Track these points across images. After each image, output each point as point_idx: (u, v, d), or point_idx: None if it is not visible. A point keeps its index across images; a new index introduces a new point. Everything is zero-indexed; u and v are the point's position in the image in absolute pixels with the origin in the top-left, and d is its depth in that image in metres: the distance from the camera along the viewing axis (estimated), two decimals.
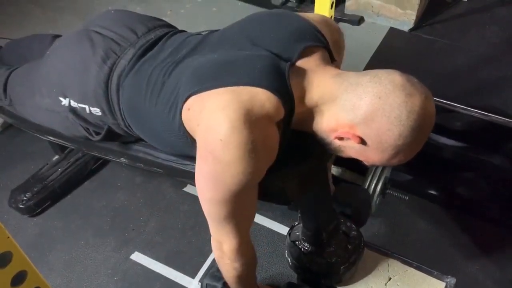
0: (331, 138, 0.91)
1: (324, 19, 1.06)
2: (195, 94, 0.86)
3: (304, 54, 0.93)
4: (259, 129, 0.81)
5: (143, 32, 1.10)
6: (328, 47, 0.99)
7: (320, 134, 0.93)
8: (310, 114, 0.92)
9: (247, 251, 1.00)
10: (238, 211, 0.91)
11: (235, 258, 0.98)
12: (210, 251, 1.50)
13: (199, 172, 0.89)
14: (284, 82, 0.86)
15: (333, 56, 1.01)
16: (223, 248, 0.97)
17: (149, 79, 0.99)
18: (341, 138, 0.89)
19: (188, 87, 0.88)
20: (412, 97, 0.81)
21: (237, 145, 0.80)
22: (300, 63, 0.92)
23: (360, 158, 0.93)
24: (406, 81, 0.83)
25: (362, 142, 0.86)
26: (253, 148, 0.80)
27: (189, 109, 0.87)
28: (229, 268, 1.02)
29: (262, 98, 0.83)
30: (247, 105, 0.81)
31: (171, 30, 1.14)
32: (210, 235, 1.00)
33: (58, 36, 1.38)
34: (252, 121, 0.80)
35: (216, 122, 0.81)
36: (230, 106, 0.81)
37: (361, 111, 0.84)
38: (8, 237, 0.65)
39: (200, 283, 1.18)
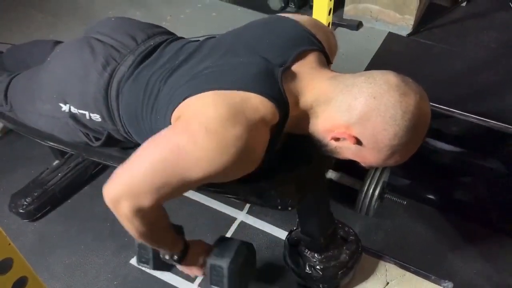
0: (327, 140, 0.92)
1: (316, 23, 1.07)
2: (187, 98, 0.86)
3: (299, 58, 0.94)
4: (247, 133, 0.81)
5: (142, 39, 1.11)
6: (324, 50, 1.00)
7: (316, 136, 0.94)
8: (305, 116, 0.93)
9: (152, 214, 0.88)
10: (175, 188, 0.84)
11: (133, 218, 0.86)
12: None
13: (161, 136, 0.84)
14: (277, 87, 0.87)
15: (329, 58, 1.02)
16: (120, 207, 0.85)
17: (147, 86, 1.00)
18: (337, 139, 0.90)
19: (182, 95, 0.88)
20: (406, 97, 0.82)
21: (221, 139, 0.79)
22: (295, 67, 0.93)
23: (357, 159, 0.94)
24: (401, 81, 0.84)
25: (358, 142, 0.87)
26: (235, 149, 0.80)
27: (179, 110, 0.87)
28: (128, 226, 0.89)
29: (255, 102, 0.83)
30: (238, 107, 0.81)
31: (170, 37, 1.15)
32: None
33: (59, 42, 1.39)
34: (242, 123, 0.80)
35: (205, 114, 0.81)
36: (220, 104, 0.81)
37: (356, 111, 0.84)
38: (9, 243, 0.66)
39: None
